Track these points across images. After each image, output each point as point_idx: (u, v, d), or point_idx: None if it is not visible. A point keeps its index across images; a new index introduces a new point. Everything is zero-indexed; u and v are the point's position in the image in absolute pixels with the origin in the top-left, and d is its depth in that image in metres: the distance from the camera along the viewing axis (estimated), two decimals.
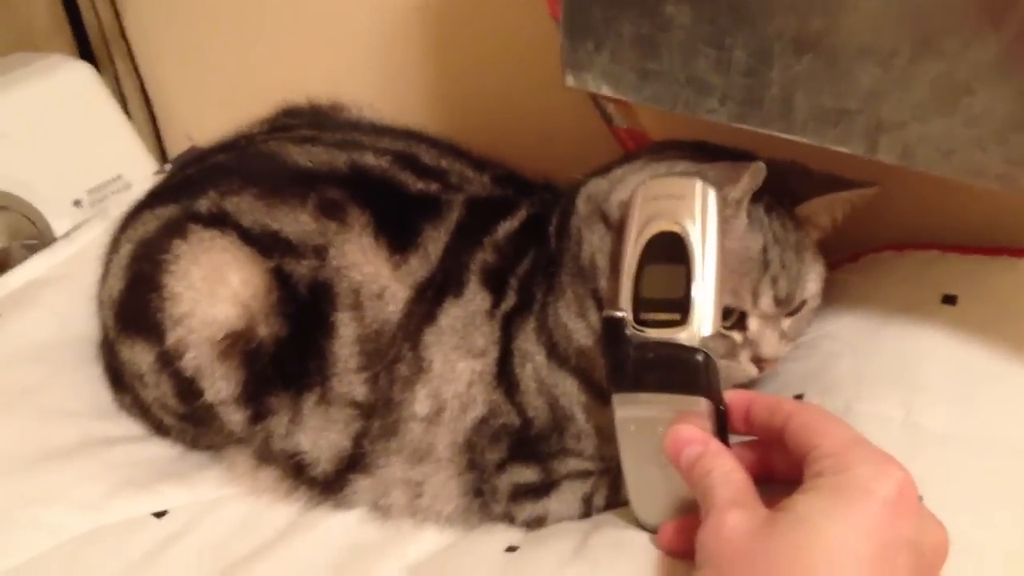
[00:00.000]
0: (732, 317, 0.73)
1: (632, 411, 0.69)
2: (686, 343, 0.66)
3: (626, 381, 0.68)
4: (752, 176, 0.68)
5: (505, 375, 0.80)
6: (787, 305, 0.74)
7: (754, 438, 0.69)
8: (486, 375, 0.80)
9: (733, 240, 0.71)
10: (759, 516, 0.58)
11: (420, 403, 0.81)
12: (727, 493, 0.61)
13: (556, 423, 0.79)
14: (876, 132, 0.65)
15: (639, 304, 0.68)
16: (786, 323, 0.76)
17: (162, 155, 1.40)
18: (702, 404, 0.66)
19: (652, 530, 0.72)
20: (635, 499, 0.73)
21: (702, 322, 0.66)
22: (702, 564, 0.59)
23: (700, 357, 0.66)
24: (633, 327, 0.68)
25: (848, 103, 0.66)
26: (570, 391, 0.79)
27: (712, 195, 0.67)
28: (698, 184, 0.68)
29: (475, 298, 0.81)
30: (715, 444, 0.65)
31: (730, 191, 0.68)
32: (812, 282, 0.76)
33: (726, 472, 0.62)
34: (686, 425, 0.66)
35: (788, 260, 0.73)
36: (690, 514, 0.67)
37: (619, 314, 0.68)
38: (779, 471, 0.66)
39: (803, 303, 0.76)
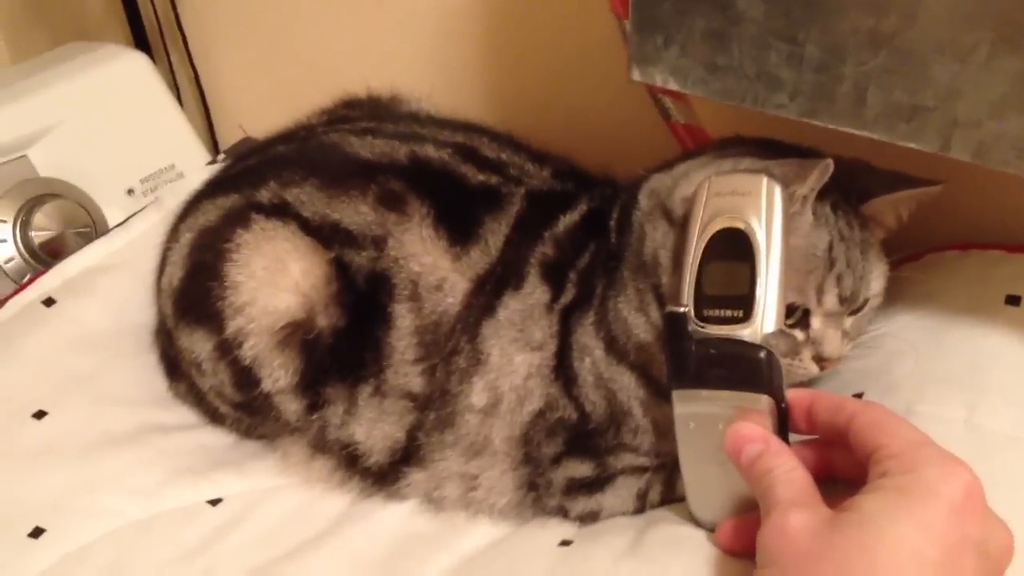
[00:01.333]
0: (795, 315, 0.72)
1: (692, 407, 0.69)
2: (749, 340, 0.66)
3: (687, 377, 0.68)
4: (820, 173, 0.67)
5: (563, 369, 0.80)
6: (851, 303, 0.74)
7: (815, 437, 0.68)
8: (544, 368, 0.80)
9: (799, 237, 0.70)
10: (822, 516, 0.58)
11: (477, 395, 0.81)
12: (789, 492, 0.60)
13: (613, 418, 0.79)
14: (950, 129, 0.65)
15: (702, 300, 0.67)
16: (848, 322, 0.75)
17: (214, 146, 1.41)
18: (763, 402, 0.66)
19: (709, 528, 0.72)
20: (692, 497, 0.73)
21: (765, 319, 0.66)
22: (764, 564, 0.58)
23: (763, 354, 0.66)
24: (695, 323, 0.67)
25: (923, 99, 0.65)
26: (628, 386, 0.78)
27: (778, 192, 0.67)
28: (764, 181, 0.67)
29: (535, 291, 0.81)
30: (776, 442, 0.65)
31: (797, 188, 0.67)
32: (876, 281, 0.76)
33: (787, 471, 0.62)
34: (747, 423, 0.66)
35: (853, 258, 0.73)
36: (749, 513, 0.67)
37: (681, 310, 0.68)
38: (840, 471, 0.66)
39: (866, 302, 0.75)
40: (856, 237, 0.73)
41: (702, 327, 0.67)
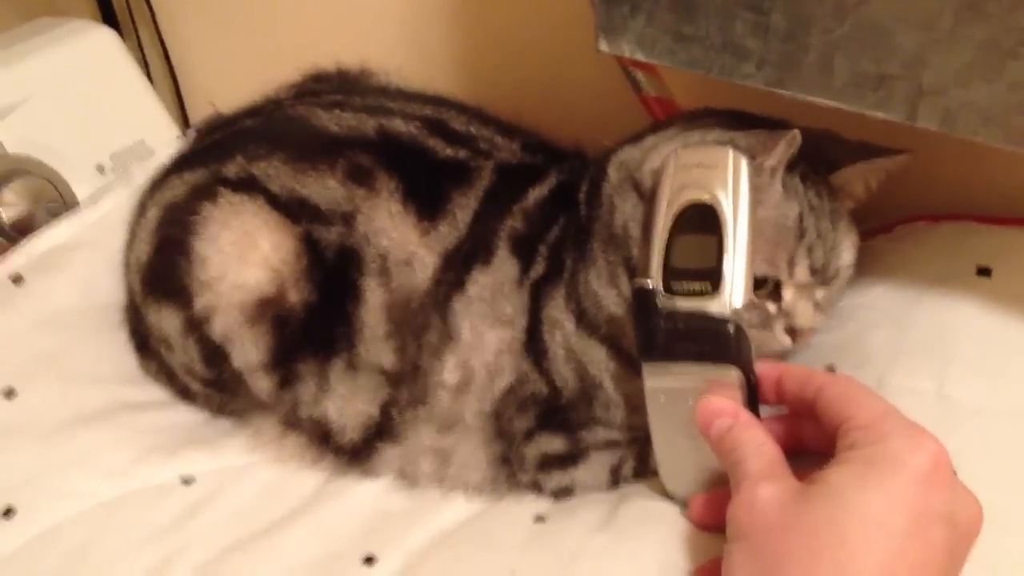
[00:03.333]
0: (767, 287, 0.72)
1: (662, 381, 0.69)
2: (717, 314, 0.66)
3: (656, 351, 0.68)
4: (787, 144, 0.67)
5: (534, 344, 0.80)
6: (822, 275, 0.74)
7: (784, 410, 0.68)
8: (515, 344, 0.80)
9: (768, 209, 0.70)
10: (791, 488, 0.58)
11: (449, 372, 0.81)
12: (758, 465, 0.61)
13: (585, 392, 0.79)
14: (917, 97, 0.65)
15: (670, 273, 0.67)
16: (820, 293, 0.75)
17: (184, 121, 1.39)
18: (733, 375, 0.66)
19: (682, 502, 0.72)
20: (664, 471, 0.73)
21: (733, 292, 0.66)
22: (733, 537, 0.59)
23: (731, 327, 0.66)
24: (663, 296, 0.67)
25: (889, 68, 0.65)
26: (599, 359, 0.78)
27: (744, 163, 0.67)
28: (730, 153, 0.67)
29: (504, 266, 0.81)
30: (745, 415, 0.65)
31: (764, 159, 0.67)
32: (847, 251, 0.76)
33: (757, 444, 0.62)
34: (717, 396, 0.66)
35: (823, 229, 0.73)
36: (720, 487, 0.67)
37: (650, 284, 0.67)
38: (810, 443, 0.66)
39: (837, 273, 0.75)
40: (826, 208, 0.73)
41: (671, 300, 0.67)
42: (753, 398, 0.67)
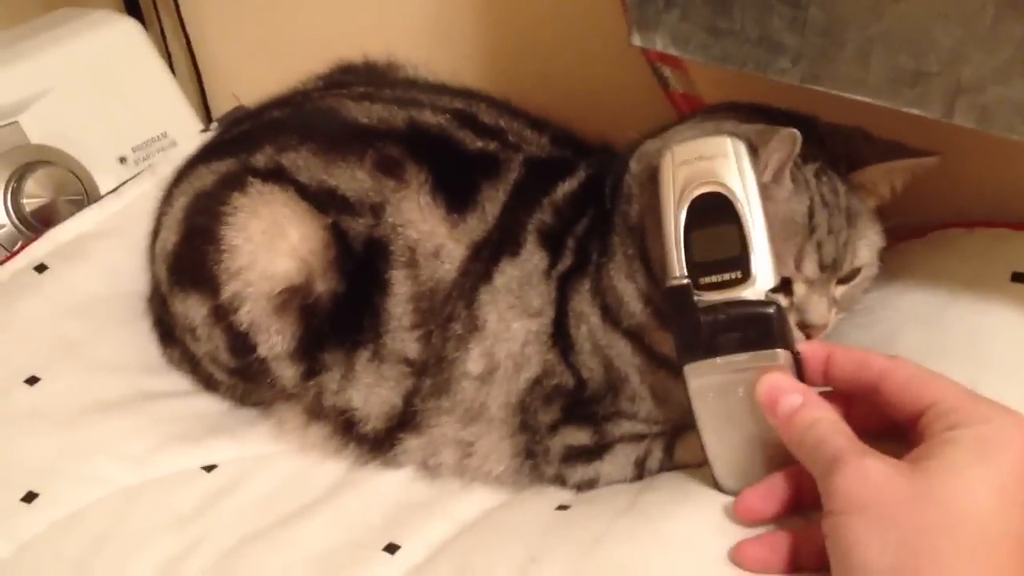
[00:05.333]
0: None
1: (708, 379, 0.68)
2: (753, 299, 0.66)
3: (699, 350, 0.67)
4: (780, 141, 0.67)
5: (560, 336, 0.79)
6: (834, 271, 0.73)
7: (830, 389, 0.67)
8: (542, 335, 0.80)
9: (775, 203, 0.70)
10: (900, 464, 0.57)
11: (473, 362, 0.81)
12: (850, 440, 0.60)
13: (610, 384, 0.79)
14: (954, 94, 0.64)
15: (695, 269, 0.67)
16: (839, 291, 0.74)
17: (207, 114, 1.40)
18: (781, 356, 0.66)
19: (733, 493, 0.70)
20: (719, 469, 0.71)
21: (764, 275, 0.66)
22: (846, 511, 0.57)
23: (772, 309, 0.66)
24: (695, 293, 0.67)
25: (927, 64, 0.64)
26: (624, 353, 0.78)
27: (743, 148, 0.67)
28: (728, 140, 0.67)
29: (532, 258, 0.81)
30: (813, 392, 0.64)
31: (761, 151, 0.67)
32: (864, 249, 0.75)
33: (837, 421, 0.61)
34: (779, 374, 0.65)
35: (836, 225, 0.72)
36: (776, 472, 0.67)
37: (684, 281, 0.67)
38: (858, 422, 0.64)
39: (856, 271, 0.75)
40: (841, 204, 0.73)
41: (702, 296, 0.67)
42: (800, 379, 0.66)
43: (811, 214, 0.71)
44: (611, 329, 0.78)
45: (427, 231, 0.82)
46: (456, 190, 0.83)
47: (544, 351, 0.80)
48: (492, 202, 0.83)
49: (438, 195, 0.83)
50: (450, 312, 0.81)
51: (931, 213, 0.87)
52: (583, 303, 0.79)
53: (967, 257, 0.84)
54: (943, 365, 0.73)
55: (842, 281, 0.75)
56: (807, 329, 0.73)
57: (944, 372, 0.70)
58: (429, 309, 0.82)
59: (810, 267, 0.72)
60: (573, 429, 0.80)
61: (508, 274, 0.81)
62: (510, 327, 0.80)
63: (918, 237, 0.89)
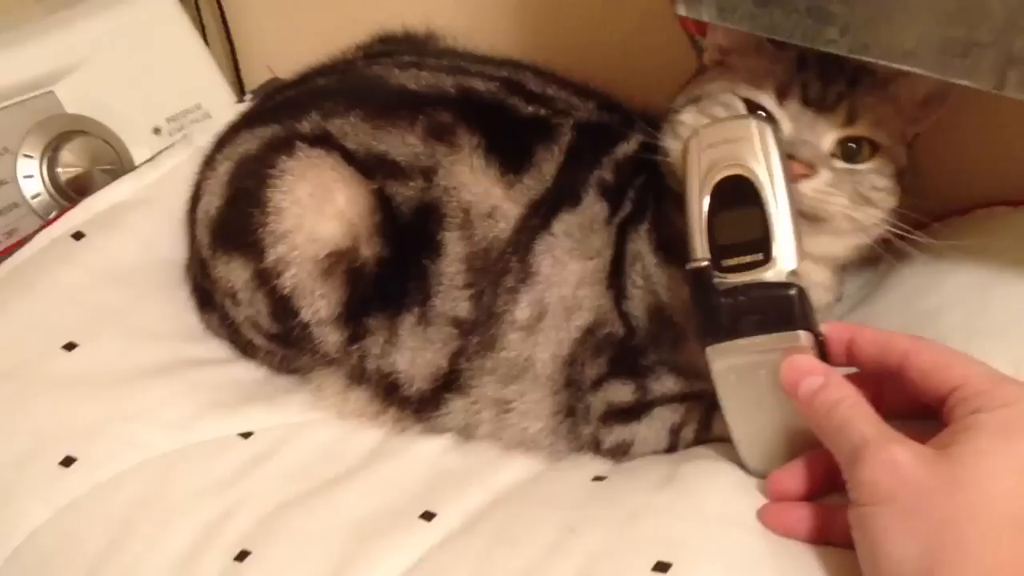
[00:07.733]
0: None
1: (731, 360, 0.69)
2: (775, 280, 0.66)
3: (721, 331, 0.68)
4: None
5: (616, 278, 0.81)
6: (820, 105, 0.76)
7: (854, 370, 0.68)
8: (598, 274, 0.81)
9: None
10: (926, 451, 0.57)
11: (521, 310, 0.81)
12: (876, 426, 0.60)
13: (657, 331, 0.80)
14: (1006, 66, 0.63)
15: (718, 251, 0.68)
16: (837, 164, 0.76)
17: (240, 86, 1.39)
18: (802, 338, 0.66)
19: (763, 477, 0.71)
20: (744, 450, 0.72)
21: (786, 256, 0.67)
22: (874, 501, 0.57)
23: (793, 291, 0.66)
24: (717, 275, 0.68)
25: (979, 35, 0.63)
26: (673, 288, 0.79)
27: (768, 130, 0.69)
28: (753, 123, 0.69)
29: (593, 207, 0.82)
30: (835, 374, 0.64)
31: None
32: (866, 118, 0.77)
33: (859, 403, 0.61)
34: (802, 356, 0.65)
35: (831, 71, 0.77)
36: (802, 454, 0.67)
37: (704, 263, 0.68)
38: (886, 404, 0.65)
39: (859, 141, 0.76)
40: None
41: (724, 278, 0.68)
42: (823, 359, 0.67)
43: (803, 56, 0.76)
44: (664, 264, 0.80)
45: (481, 192, 0.83)
46: (510, 152, 0.84)
47: (597, 295, 0.81)
48: (548, 163, 0.84)
49: (491, 158, 0.83)
50: (503, 267, 0.82)
51: (975, 190, 0.87)
52: (640, 242, 0.81)
53: (1012, 236, 0.84)
54: (987, 344, 0.73)
55: (848, 157, 0.76)
56: (793, 169, 0.72)
57: (988, 351, 0.71)
58: (483, 268, 0.82)
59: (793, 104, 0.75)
60: (618, 384, 0.81)
61: (567, 221, 0.82)
62: (565, 268, 0.81)
63: (962, 215, 0.89)
